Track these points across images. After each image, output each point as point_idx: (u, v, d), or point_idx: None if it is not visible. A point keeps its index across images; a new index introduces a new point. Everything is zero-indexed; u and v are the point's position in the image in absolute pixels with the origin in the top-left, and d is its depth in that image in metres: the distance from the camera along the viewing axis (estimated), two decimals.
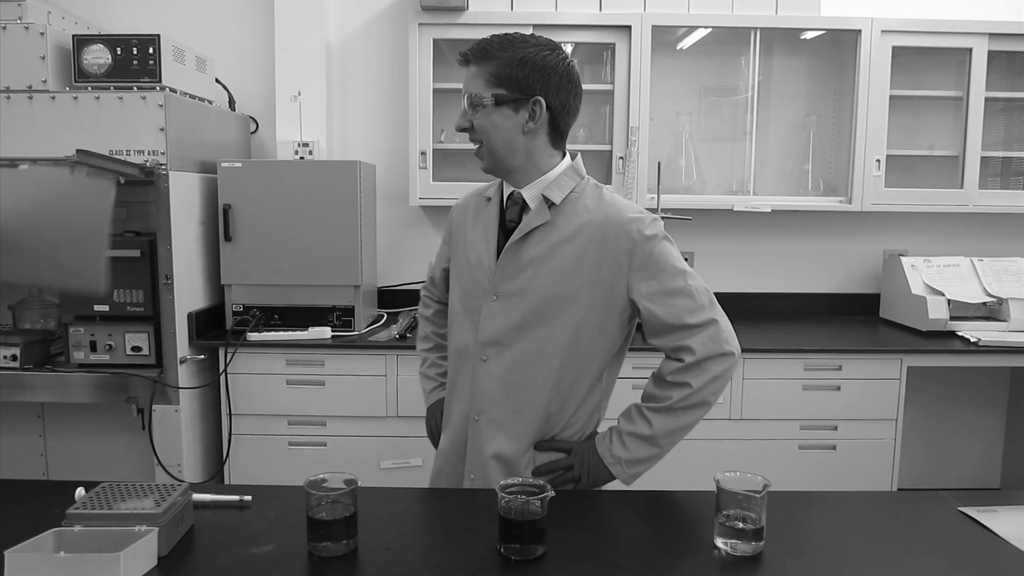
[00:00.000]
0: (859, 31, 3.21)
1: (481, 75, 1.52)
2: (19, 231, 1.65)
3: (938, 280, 3.26)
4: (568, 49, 3.38)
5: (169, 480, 2.60)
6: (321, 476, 1.27)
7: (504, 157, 1.56)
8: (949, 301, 3.16)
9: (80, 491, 1.36)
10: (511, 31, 3.24)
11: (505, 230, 1.61)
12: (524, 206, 1.59)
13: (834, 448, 3.03)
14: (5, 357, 2.64)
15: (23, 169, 1.47)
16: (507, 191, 1.62)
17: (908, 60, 3.33)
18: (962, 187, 3.32)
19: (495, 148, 1.55)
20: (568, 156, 1.63)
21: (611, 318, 1.58)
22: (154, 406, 2.67)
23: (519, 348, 1.58)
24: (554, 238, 1.56)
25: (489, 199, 1.68)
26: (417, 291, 3.56)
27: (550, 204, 1.57)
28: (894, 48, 3.22)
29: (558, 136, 1.58)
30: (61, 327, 2.73)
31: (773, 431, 3.02)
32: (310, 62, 3.31)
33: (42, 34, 2.61)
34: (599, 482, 1.58)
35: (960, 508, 1.44)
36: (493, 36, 1.54)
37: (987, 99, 3.28)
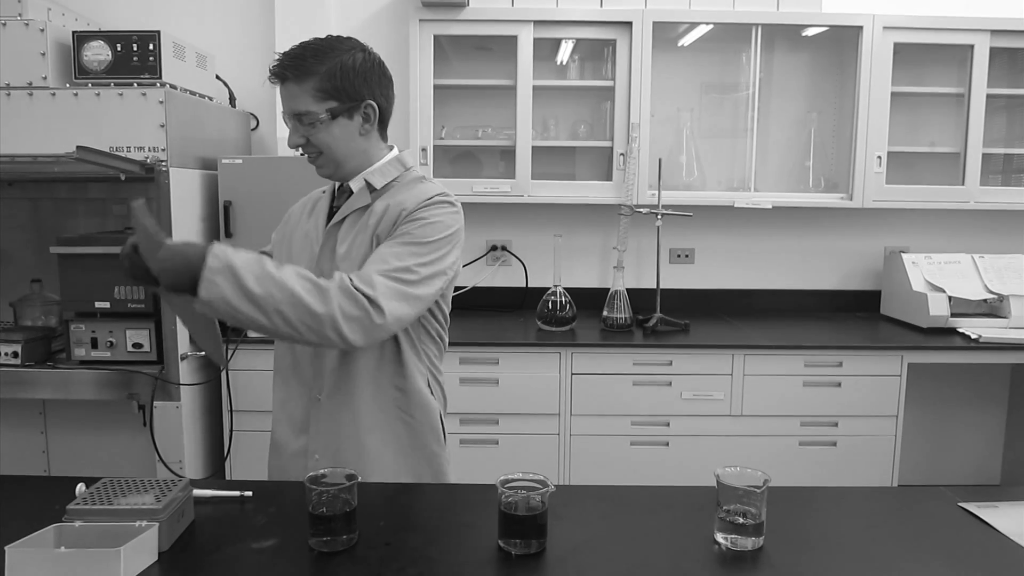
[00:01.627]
0: (861, 28, 3.20)
1: (306, 91, 1.54)
2: None
3: (939, 277, 3.25)
4: (569, 45, 3.38)
5: (170, 476, 2.61)
6: (321, 471, 1.27)
7: (346, 162, 1.62)
8: (950, 298, 3.15)
9: (81, 487, 1.37)
10: (512, 27, 3.24)
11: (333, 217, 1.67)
12: (351, 193, 1.66)
13: (834, 445, 3.03)
14: (6, 354, 2.64)
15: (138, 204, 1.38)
16: (339, 184, 1.70)
17: (910, 57, 3.33)
18: (963, 184, 3.32)
19: (337, 157, 1.60)
20: (395, 148, 1.71)
21: None
22: (155, 402, 2.67)
23: None
24: (370, 222, 1.60)
25: (324, 191, 1.75)
26: None
27: (372, 189, 1.63)
28: (896, 45, 3.22)
29: (384, 129, 1.67)
30: (62, 324, 2.73)
31: (773, 427, 3.03)
32: None
33: (42, 31, 2.60)
34: (167, 265, 1.31)
35: (961, 504, 1.43)
36: (302, 47, 1.55)
37: (989, 96, 3.28)
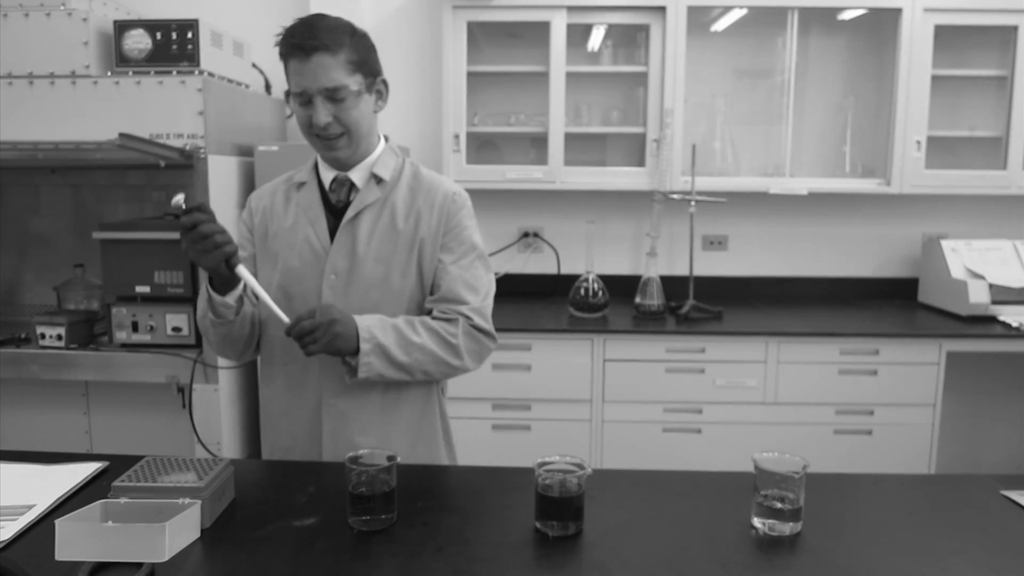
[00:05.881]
0: (900, 10, 3.14)
1: (337, 64, 1.47)
2: None
3: (979, 264, 3.20)
4: (602, 30, 3.36)
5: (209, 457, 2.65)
6: (361, 452, 1.29)
7: (362, 143, 1.57)
8: (990, 285, 3.10)
9: (180, 197, 1.43)
10: (545, 13, 3.21)
11: (332, 210, 1.61)
12: (352, 186, 1.61)
13: (870, 433, 3.00)
14: (51, 336, 2.70)
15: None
16: (329, 175, 1.62)
17: (950, 39, 3.25)
18: (1005, 169, 3.25)
19: (360, 136, 1.55)
20: (382, 135, 1.67)
21: (428, 279, 1.63)
22: (194, 385, 2.72)
23: None
24: (386, 212, 1.60)
25: (302, 183, 1.65)
26: None
27: (378, 180, 1.60)
28: (936, 27, 3.15)
29: None
30: (104, 308, 2.79)
31: (808, 415, 3.00)
32: None
33: (84, 20, 2.65)
34: (337, 348, 1.46)
35: (1004, 492, 1.42)
36: (322, 19, 1.49)
37: None
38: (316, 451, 1.62)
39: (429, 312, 1.60)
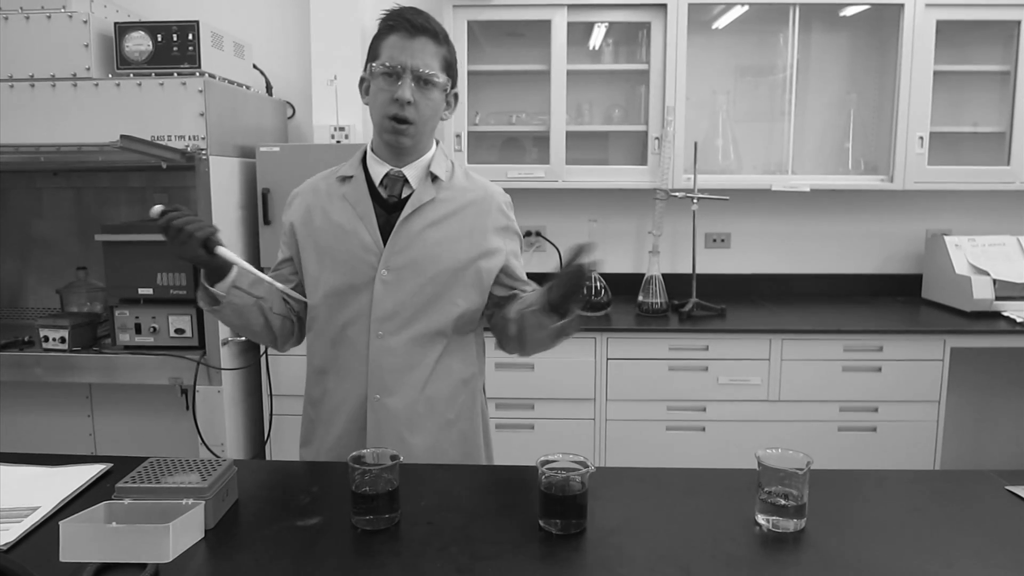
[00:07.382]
0: (902, 5, 3.13)
1: (437, 54, 1.53)
2: None
3: (983, 259, 3.19)
4: (603, 29, 3.36)
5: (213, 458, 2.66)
6: (364, 452, 1.29)
7: (424, 140, 1.60)
8: (994, 281, 3.09)
9: (157, 208, 1.43)
10: (546, 12, 3.21)
11: (384, 206, 1.62)
12: (406, 182, 1.62)
13: (874, 430, 2.99)
14: (54, 339, 2.71)
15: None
16: (381, 170, 1.62)
17: (953, 34, 3.24)
18: (1009, 164, 3.24)
19: (426, 132, 1.58)
20: (436, 139, 1.70)
21: (487, 279, 1.65)
22: (197, 387, 2.72)
23: (419, 318, 1.59)
24: (441, 211, 1.61)
25: (347, 178, 1.65)
26: None
27: (434, 179, 1.62)
28: (938, 22, 3.14)
29: None
30: (107, 310, 2.80)
31: (812, 413, 3.00)
32: (345, 46, 3.32)
33: (85, 22, 2.66)
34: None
35: (1008, 487, 1.41)
36: (429, 15, 1.54)
37: None
38: (361, 448, 1.62)
39: (512, 296, 1.66)
